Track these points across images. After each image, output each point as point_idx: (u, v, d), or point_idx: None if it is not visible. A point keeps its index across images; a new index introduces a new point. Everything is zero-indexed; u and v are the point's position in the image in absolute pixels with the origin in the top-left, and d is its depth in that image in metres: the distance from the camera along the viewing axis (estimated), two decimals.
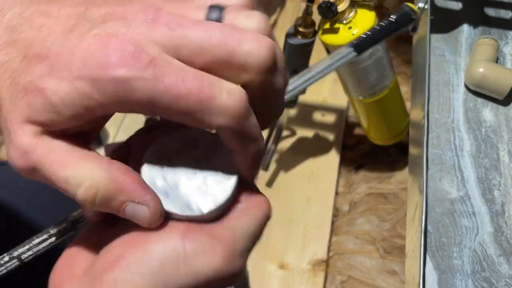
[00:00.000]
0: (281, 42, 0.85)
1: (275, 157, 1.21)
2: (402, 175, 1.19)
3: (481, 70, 0.52)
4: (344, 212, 1.18)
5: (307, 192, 1.20)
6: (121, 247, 0.25)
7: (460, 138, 0.50)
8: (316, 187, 1.20)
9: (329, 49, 0.79)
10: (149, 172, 0.26)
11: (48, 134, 0.25)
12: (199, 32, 0.23)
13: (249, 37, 0.23)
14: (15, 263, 0.27)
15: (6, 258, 0.27)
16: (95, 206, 0.24)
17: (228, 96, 0.23)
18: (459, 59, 0.56)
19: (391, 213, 1.16)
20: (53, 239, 0.28)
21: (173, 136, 0.27)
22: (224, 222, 0.26)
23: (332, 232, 1.15)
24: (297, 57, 0.84)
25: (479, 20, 0.58)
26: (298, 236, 1.14)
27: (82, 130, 0.26)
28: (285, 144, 1.26)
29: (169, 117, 0.24)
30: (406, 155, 0.54)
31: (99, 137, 1.28)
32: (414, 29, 0.58)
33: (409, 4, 0.33)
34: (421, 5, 0.56)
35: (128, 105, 0.23)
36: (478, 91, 0.53)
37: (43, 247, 0.28)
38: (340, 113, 1.30)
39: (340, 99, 1.30)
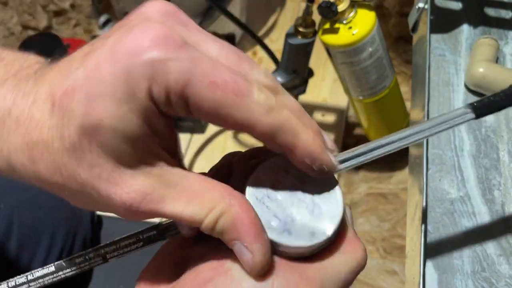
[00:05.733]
0: (281, 42, 0.85)
1: None
2: (402, 175, 1.19)
3: (481, 70, 0.52)
4: None
5: None
6: (210, 271, 0.25)
7: (460, 138, 0.50)
8: None
9: (329, 49, 0.79)
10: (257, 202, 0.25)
11: (146, 165, 0.23)
12: None
13: None
14: (99, 261, 0.27)
15: (91, 255, 0.27)
16: (214, 234, 0.24)
17: (260, 92, 0.23)
18: (459, 59, 0.56)
19: (391, 213, 1.16)
20: (141, 244, 0.27)
21: (273, 166, 0.26)
22: (316, 263, 0.25)
23: None
24: (297, 57, 0.84)
25: (479, 20, 0.58)
26: None
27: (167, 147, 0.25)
28: None
29: (202, 113, 0.23)
30: (406, 155, 0.54)
31: None
32: (414, 29, 0.58)
33: None
34: (421, 5, 0.56)
35: (166, 92, 0.22)
36: (478, 91, 0.53)
37: (129, 250, 0.27)
38: (340, 113, 1.30)
39: (340, 99, 1.30)
